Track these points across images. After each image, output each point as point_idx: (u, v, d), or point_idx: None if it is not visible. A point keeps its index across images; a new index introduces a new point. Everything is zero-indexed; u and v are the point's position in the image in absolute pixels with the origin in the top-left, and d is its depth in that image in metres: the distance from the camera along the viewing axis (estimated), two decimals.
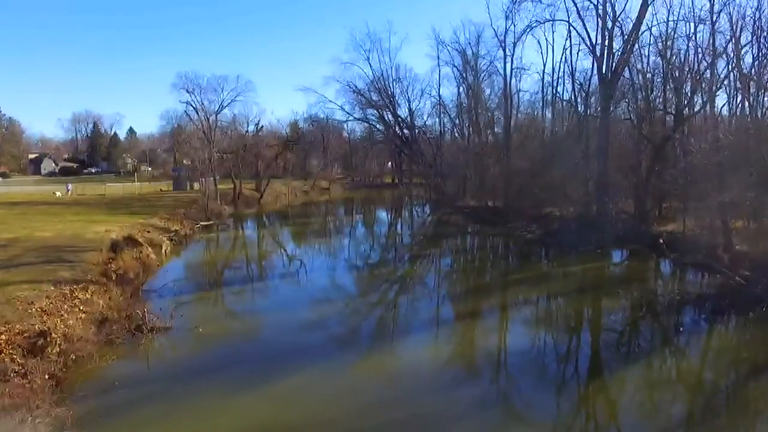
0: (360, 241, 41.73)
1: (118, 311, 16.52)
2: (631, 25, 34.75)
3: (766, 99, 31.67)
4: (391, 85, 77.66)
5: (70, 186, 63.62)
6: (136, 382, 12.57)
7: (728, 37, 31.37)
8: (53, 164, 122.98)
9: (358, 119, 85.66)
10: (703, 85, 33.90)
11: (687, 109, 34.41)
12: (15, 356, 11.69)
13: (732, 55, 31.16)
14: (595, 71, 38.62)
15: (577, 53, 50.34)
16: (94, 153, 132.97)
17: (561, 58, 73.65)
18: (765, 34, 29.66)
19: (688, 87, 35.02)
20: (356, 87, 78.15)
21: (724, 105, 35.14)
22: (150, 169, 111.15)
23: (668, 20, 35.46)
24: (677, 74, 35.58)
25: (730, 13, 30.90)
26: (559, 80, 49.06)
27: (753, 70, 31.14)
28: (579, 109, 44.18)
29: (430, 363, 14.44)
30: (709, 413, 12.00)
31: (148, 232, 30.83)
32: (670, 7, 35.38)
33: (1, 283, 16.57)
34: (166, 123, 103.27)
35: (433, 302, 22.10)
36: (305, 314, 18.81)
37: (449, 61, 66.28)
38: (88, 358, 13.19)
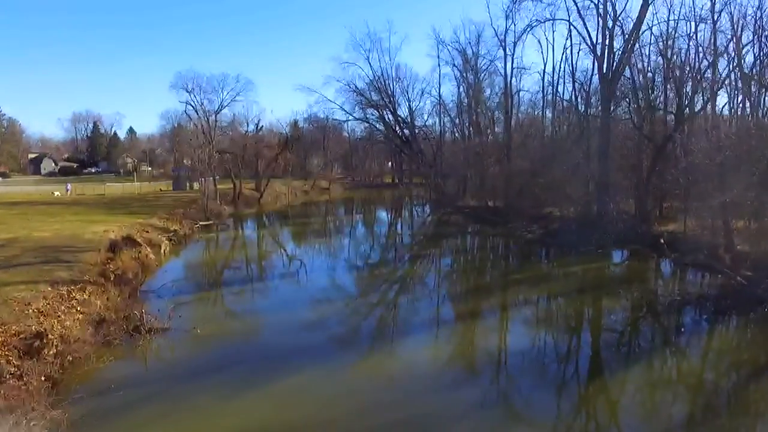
0: (360, 241, 41.63)
1: (116, 312, 16.42)
2: (632, 24, 34.72)
3: (767, 98, 31.58)
4: (391, 84, 77.79)
5: (69, 186, 63.60)
6: (133, 383, 12.47)
7: (729, 37, 31.30)
8: (53, 164, 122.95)
9: (358, 119, 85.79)
10: (704, 85, 33.80)
11: (688, 108, 34.30)
12: (11, 358, 11.59)
13: (733, 54, 31.09)
14: (595, 71, 38.64)
15: (578, 53, 50.47)
16: (94, 153, 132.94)
17: (561, 58, 73.88)
18: (766, 33, 29.58)
19: (689, 86, 34.91)
20: (356, 87, 78.30)
21: (725, 105, 35.11)
22: (150, 169, 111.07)
23: (669, 19, 35.39)
24: (678, 74, 35.47)
25: (731, 13, 30.87)
26: (560, 80, 49.01)
27: (754, 69, 31.05)
28: (579, 108, 44.08)
29: (431, 363, 14.39)
30: (710, 414, 11.92)
31: (147, 232, 30.74)
32: (671, 6, 35.29)
33: None
34: (166, 123, 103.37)
35: (433, 302, 22.01)
36: (305, 314, 18.72)
37: (449, 61, 66.43)
38: (85, 359, 13.11)
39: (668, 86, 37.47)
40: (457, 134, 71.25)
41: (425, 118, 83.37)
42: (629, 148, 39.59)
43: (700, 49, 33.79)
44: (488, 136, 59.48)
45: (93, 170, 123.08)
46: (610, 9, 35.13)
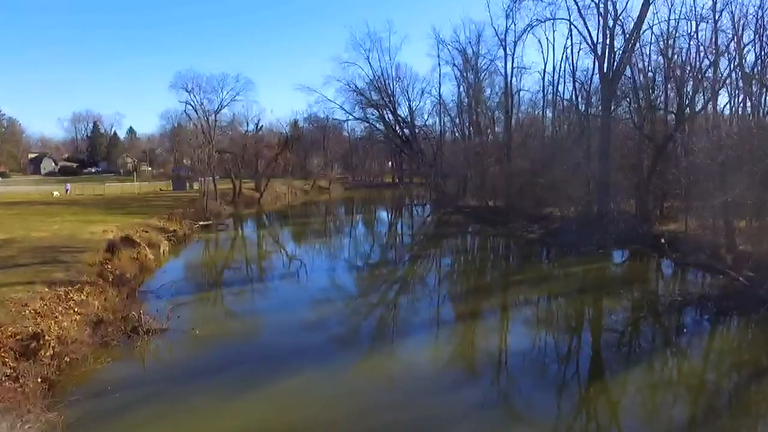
0: (360, 240, 41.56)
1: (114, 313, 16.32)
2: (633, 23, 34.61)
3: None
4: (391, 84, 77.73)
5: (68, 186, 63.51)
6: (131, 385, 12.37)
7: (730, 36, 31.18)
8: (53, 164, 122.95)
9: (358, 119, 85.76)
10: (705, 85, 33.69)
11: (688, 108, 34.20)
12: (7, 359, 11.47)
13: (734, 54, 30.97)
14: (596, 70, 38.58)
15: (578, 52, 50.25)
16: (94, 153, 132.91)
17: (562, 57, 73.65)
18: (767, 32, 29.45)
19: (690, 86, 34.81)
20: (356, 86, 78.27)
21: (726, 105, 34.99)
22: (150, 169, 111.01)
23: (669, 19, 35.28)
24: (679, 73, 35.36)
25: (732, 12, 30.76)
26: (560, 79, 48.90)
27: (755, 69, 30.94)
28: (580, 108, 43.98)
29: (431, 364, 14.33)
30: (711, 415, 11.84)
31: (146, 232, 30.63)
32: (672, 5, 35.20)
33: None
34: (166, 123, 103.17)
35: (433, 302, 21.91)
36: (305, 314, 18.64)
37: (449, 61, 66.39)
38: (82, 360, 13.00)
39: (669, 86, 37.39)
40: (457, 134, 71.26)
41: (425, 117, 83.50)
42: (630, 147, 39.49)
43: (701, 48, 33.73)
44: (488, 136, 59.40)
45: (93, 170, 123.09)
46: (610, 8, 35.07)
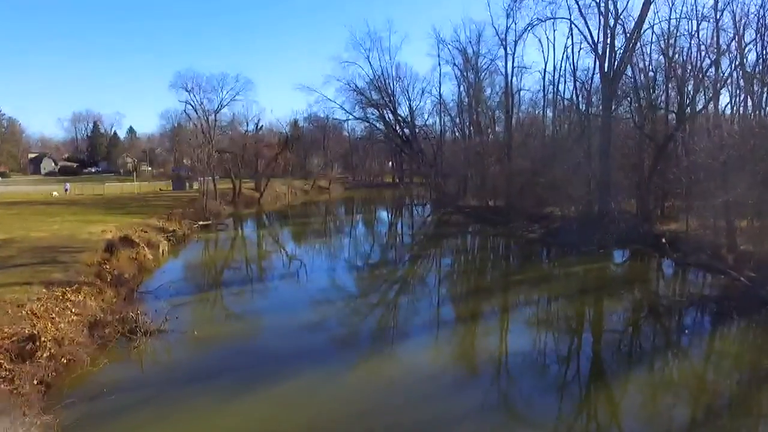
0: (360, 241, 41.46)
1: (112, 314, 16.17)
2: (633, 22, 34.48)
3: None
4: (391, 83, 77.64)
5: (68, 186, 63.42)
6: (128, 387, 12.27)
7: (731, 35, 31.07)
8: (53, 164, 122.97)
9: (358, 118, 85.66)
10: (706, 84, 33.59)
11: (689, 108, 34.09)
12: (2, 361, 11.34)
13: (735, 53, 30.86)
14: (596, 69, 38.50)
15: (579, 51, 50.07)
16: (94, 153, 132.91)
17: (562, 57, 73.64)
18: None
19: (691, 85, 34.70)
20: (356, 86, 78.20)
21: (727, 104, 34.89)
22: (150, 168, 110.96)
23: (670, 18, 35.19)
24: (680, 72, 35.25)
25: (733, 11, 30.68)
26: (561, 79, 48.82)
27: (757, 68, 30.84)
28: (580, 107, 43.87)
29: (431, 365, 14.24)
30: (712, 417, 11.77)
31: (145, 232, 30.51)
32: (672, 4, 35.16)
33: None
34: (166, 122, 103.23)
35: (433, 303, 21.81)
36: (305, 316, 18.53)
37: (450, 60, 66.38)
38: (79, 362, 12.87)
39: (670, 85, 37.32)
40: (457, 134, 71.16)
41: (426, 117, 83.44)
42: (630, 147, 39.40)
43: (702, 47, 33.62)
44: (489, 136, 59.29)
45: (93, 170, 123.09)
46: (611, 7, 34.95)
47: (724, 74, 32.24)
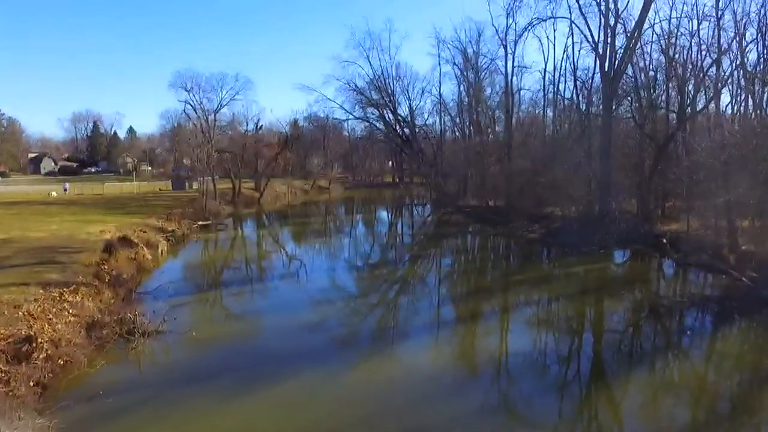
0: (360, 241, 41.38)
1: (110, 314, 16.07)
2: (634, 22, 34.38)
3: None
4: (391, 83, 77.51)
5: (67, 185, 63.27)
6: (125, 388, 12.17)
7: (732, 35, 30.97)
8: (53, 164, 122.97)
9: (358, 118, 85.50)
10: (707, 83, 33.49)
11: (690, 107, 33.98)
12: None
13: (736, 52, 30.77)
14: (597, 69, 38.39)
15: (579, 51, 50.14)
16: (94, 152, 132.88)
17: (563, 56, 73.60)
18: None
19: (691, 85, 34.60)
20: (356, 85, 78.07)
21: (728, 104, 34.81)
22: (150, 168, 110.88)
23: (671, 17, 35.10)
24: (680, 72, 35.14)
25: (734, 11, 30.57)
26: (561, 78, 48.73)
27: (758, 67, 30.74)
28: (581, 107, 43.78)
29: (432, 365, 14.16)
30: (714, 418, 11.69)
31: (144, 232, 30.41)
32: (673, 3, 35.11)
33: None
34: (166, 122, 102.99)
35: (433, 303, 21.72)
36: (304, 316, 18.45)
37: (450, 60, 66.24)
38: (76, 363, 12.76)
39: (670, 84, 37.19)
40: (457, 133, 71.04)
41: (426, 117, 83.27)
42: (631, 147, 39.30)
43: (703, 46, 33.53)
44: (489, 135, 59.18)
45: (93, 170, 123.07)
46: (612, 6, 34.81)
47: (724, 74, 32.19)
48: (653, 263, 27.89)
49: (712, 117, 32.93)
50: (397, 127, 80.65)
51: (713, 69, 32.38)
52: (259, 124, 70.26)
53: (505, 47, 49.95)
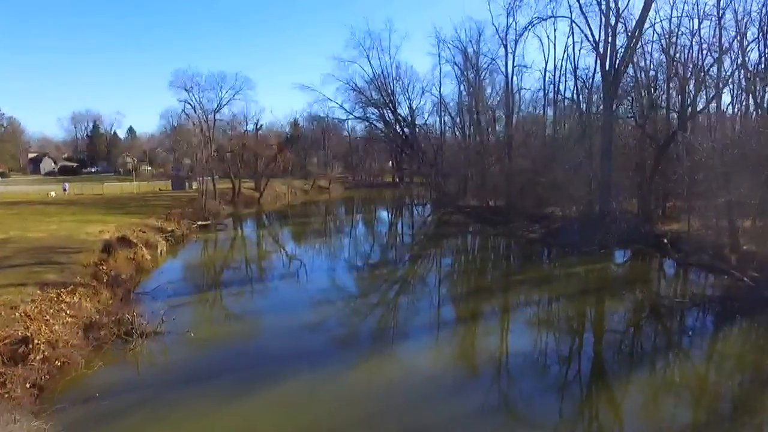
0: (360, 240, 41.29)
1: (108, 315, 15.99)
2: (635, 21, 34.27)
3: None
4: (391, 83, 77.47)
5: (66, 185, 63.12)
6: (123, 390, 12.13)
7: (733, 34, 30.87)
8: (53, 163, 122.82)
9: (358, 118, 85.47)
10: (708, 83, 33.38)
11: (691, 107, 33.87)
12: None
13: (737, 52, 30.68)
14: (597, 68, 38.24)
15: (580, 50, 50.05)
16: (94, 152, 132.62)
17: (563, 56, 73.53)
18: None
19: (692, 84, 34.48)
20: (356, 85, 78.04)
21: (729, 104, 34.71)
22: (150, 168, 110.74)
23: (672, 16, 34.99)
24: (681, 71, 35.03)
25: (735, 10, 30.46)
26: (562, 78, 48.77)
27: (759, 67, 30.63)
28: (581, 107, 43.66)
29: (432, 366, 14.11)
30: (715, 419, 11.63)
31: (144, 232, 30.32)
32: (674, 3, 35.07)
33: None
34: (166, 122, 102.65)
35: (434, 303, 21.64)
36: (304, 316, 18.40)
37: (450, 59, 66.13)
38: (73, 365, 12.70)
39: (671, 84, 37.06)
40: (457, 133, 70.86)
41: (426, 117, 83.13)
42: (632, 146, 39.22)
43: (704, 46, 33.42)
44: (489, 135, 59.06)
45: (92, 170, 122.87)
46: (612, 6, 34.66)
47: (726, 73, 32.08)
48: (654, 263, 27.80)
49: (713, 117, 32.82)
50: (398, 127, 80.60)
51: (714, 68, 32.30)
52: (259, 124, 70.35)
53: (506, 47, 49.92)
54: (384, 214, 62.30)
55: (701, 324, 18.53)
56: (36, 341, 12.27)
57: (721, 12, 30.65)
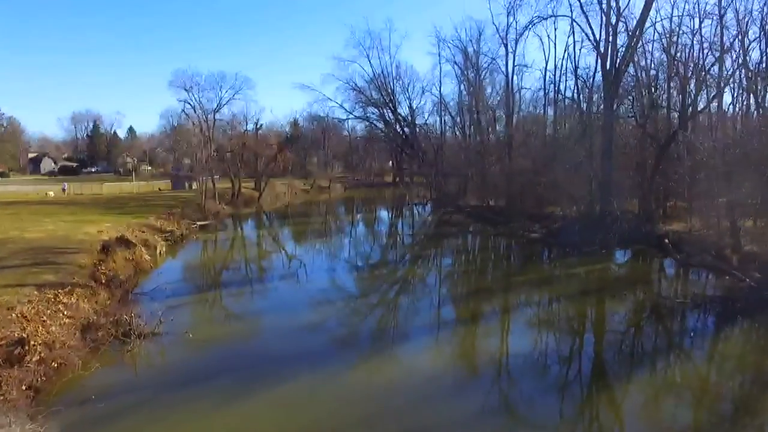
0: (360, 240, 41.21)
1: (105, 316, 15.89)
2: (635, 20, 34.16)
3: None
4: (391, 82, 77.21)
5: (65, 185, 63.01)
6: (120, 391, 12.05)
7: (735, 33, 30.77)
8: (53, 163, 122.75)
9: (359, 117, 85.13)
10: (709, 82, 33.28)
11: (692, 106, 33.76)
12: None
13: (738, 51, 30.59)
14: (598, 68, 38.05)
15: (580, 50, 49.79)
16: (94, 152, 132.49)
17: (563, 55, 73.37)
18: None
19: (693, 84, 34.38)
20: (356, 85, 77.79)
21: (730, 103, 34.61)
22: (150, 168, 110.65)
23: (672, 16, 34.89)
24: (682, 71, 34.92)
25: (736, 9, 30.37)
26: (562, 77, 48.72)
27: (760, 66, 30.54)
28: (582, 106, 43.52)
29: (432, 366, 14.05)
30: (717, 420, 11.56)
31: (143, 232, 30.23)
32: (675, 2, 34.99)
33: None
34: (166, 122, 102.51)
35: (434, 303, 21.56)
36: (304, 316, 18.34)
37: (450, 59, 65.96)
38: (70, 366, 12.59)
39: (672, 83, 36.96)
40: (458, 133, 70.68)
41: (426, 116, 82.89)
42: (632, 146, 39.13)
43: (705, 45, 33.33)
44: (489, 135, 58.91)
45: (92, 170, 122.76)
46: (613, 4, 34.52)
47: (727, 72, 31.99)
48: (655, 263, 27.70)
49: (714, 116, 32.72)
50: (398, 127, 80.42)
51: (715, 68, 32.23)
52: (259, 124, 70.24)
53: (506, 46, 49.74)
54: (384, 214, 62.22)
55: (702, 324, 18.44)
56: (32, 342, 12.18)
57: (722, 11, 30.62)
